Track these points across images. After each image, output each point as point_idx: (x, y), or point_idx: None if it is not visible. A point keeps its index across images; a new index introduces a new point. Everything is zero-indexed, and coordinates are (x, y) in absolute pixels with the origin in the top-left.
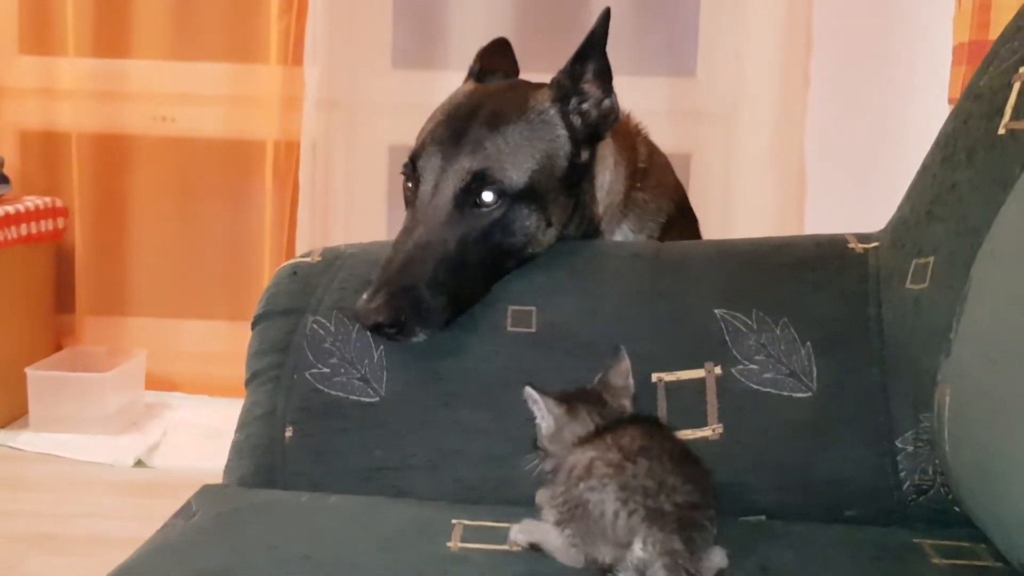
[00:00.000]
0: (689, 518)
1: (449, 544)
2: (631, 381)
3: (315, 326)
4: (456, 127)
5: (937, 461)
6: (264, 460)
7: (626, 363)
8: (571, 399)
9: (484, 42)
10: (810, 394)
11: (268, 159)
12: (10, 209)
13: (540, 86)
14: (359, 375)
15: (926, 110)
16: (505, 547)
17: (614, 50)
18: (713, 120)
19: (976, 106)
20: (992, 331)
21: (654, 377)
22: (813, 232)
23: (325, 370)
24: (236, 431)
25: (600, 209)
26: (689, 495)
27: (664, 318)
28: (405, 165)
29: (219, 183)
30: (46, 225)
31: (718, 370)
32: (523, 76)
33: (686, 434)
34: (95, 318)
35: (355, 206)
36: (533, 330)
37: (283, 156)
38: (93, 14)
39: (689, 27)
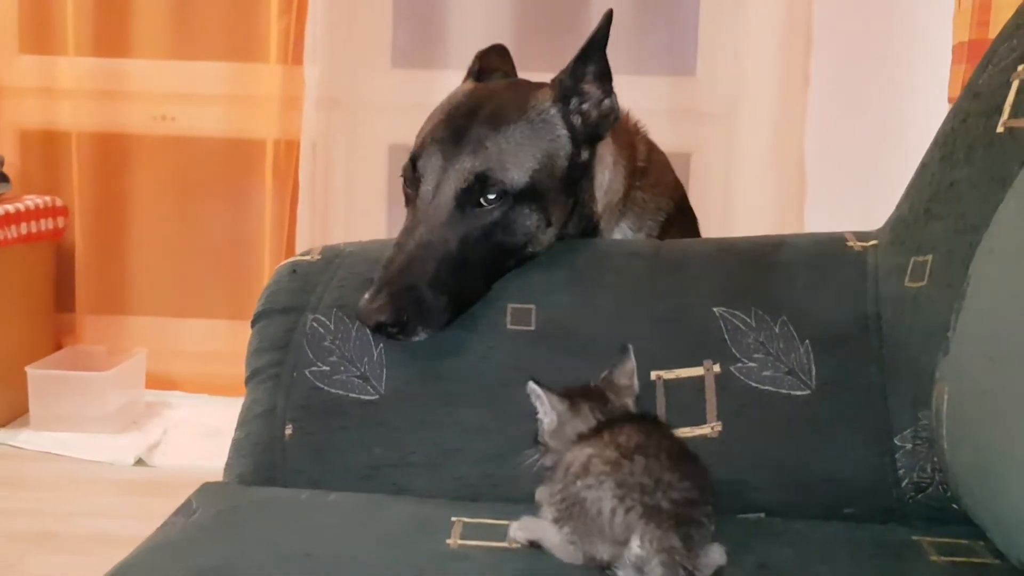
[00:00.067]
0: (686, 515)
1: (449, 541)
2: (635, 381)
3: (315, 324)
4: (457, 126)
5: (936, 459)
6: (264, 458)
7: (631, 363)
8: (574, 395)
9: (484, 42)
10: (809, 392)
11: (268, 158)
12: (10, 208)
13: (540, 86)
14: (359, 373)
15: (926, 109)
16: (504, 544)
17: (614, 49)
18: (713, 119)
19: (975, 104)
20: (990, 329)
21: (653, 375)
22: (813, 231)
23: (325, 368)
24: (236, 429)
25: (599, 208)
26: (686, 492)
27: (663, 316)
28: (405, 167)
29: (219, 182)
30: (46, 224)
31: (717, 368)
32: (523, 76)
33: (685, 432)
34: (95, 317)
35: (355, 205)
36: (532, 328)
37: (283, 155)
38: (93, 13)
39: (689, 26)
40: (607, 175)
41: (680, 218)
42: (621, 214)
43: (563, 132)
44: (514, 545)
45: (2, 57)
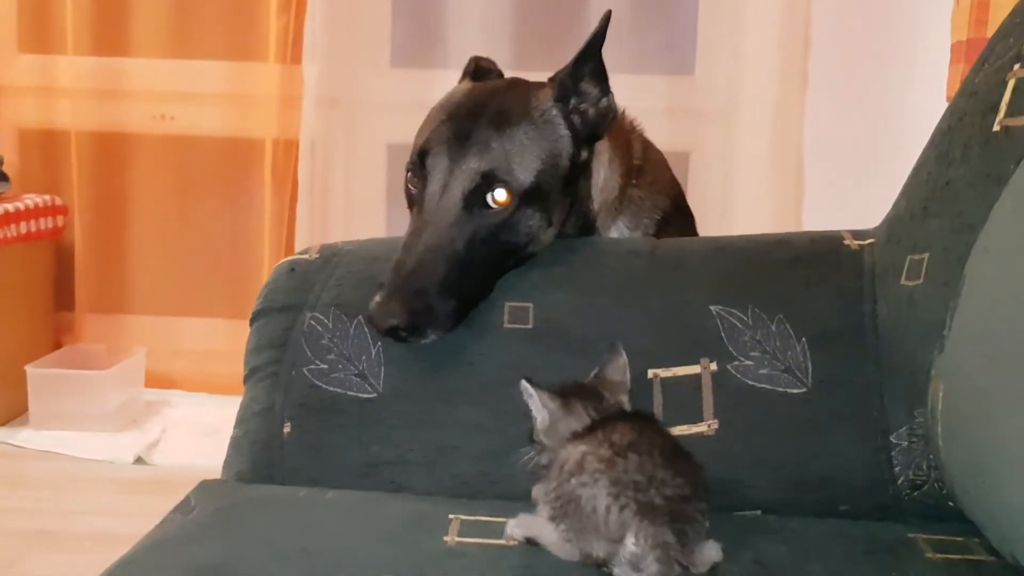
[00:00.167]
0: (680, 511)
1: (446, 539)
2: (628, 377)
3: (313, 322)
4: (461, 127)
5: (931, 456)
6: (262, 456)
7: (623, 359)
8: (567, 393)
9: (483, 41)
10: (805, 390)
11: (267, 157)
12: (10, 207)
13: (540, 85)
14: (357, 371)
15: (924, 108)
16: (501, 542)
17: (613, 49)
18: (712, 119)
19: (971, 103)
20: (985, 327)
21: (650, 373)
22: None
23: (323, 366)
24: (234, 427)
25: (596, 206)
26: (680, 488)
27: (660, 314)
28: (412, 163)
29: (218, 181)
30: (46, 223)
31: (714, 366)
32: (522, 76)
33: (682, 430)
34: (95, 316)
35: (354, 204)
36: (530, 326)
37: (282, 154)
38: (92, 12)
39: (688, 26)
40: (603, 173)
41: (677, 216)
42: (617, 212)
43: (565, 132)
44: (511, 542)
45: (1, 56)
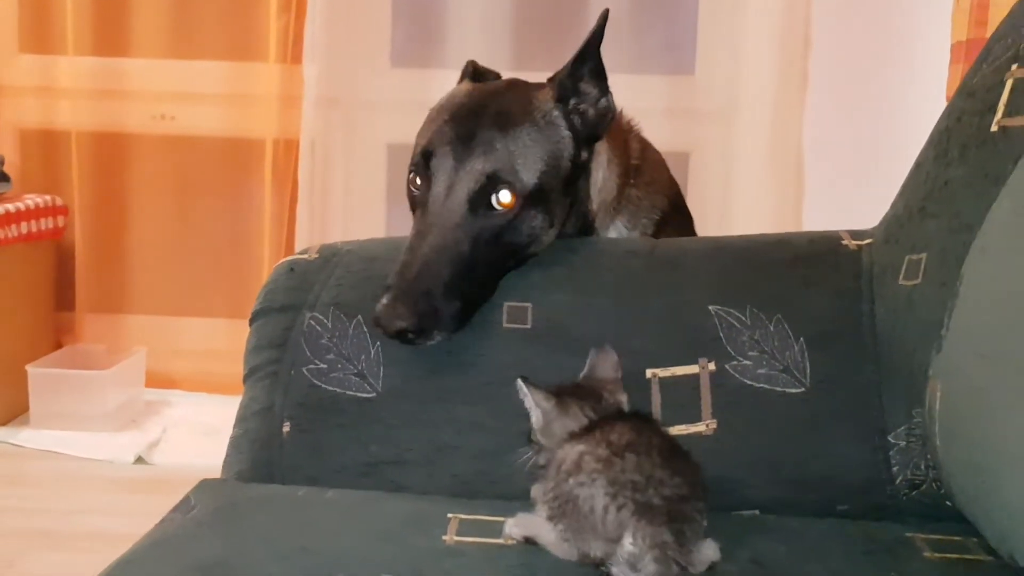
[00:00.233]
0: (678, 511)
1: (445, 538)
2: (620, 374)
3: (312, 322)
4: (464, 128)
5: (929, 456)
6: (262, 455)
7: (613, 355)
8: (564, 393)
9: (483, 41)
10: (803, 390)
11: (267, 157)
12: (10, 207)
13: (540, 86)
14: (356, 371)
15: (924, 108)
16: (500, 541)
17: (613, 48)
18: (711, 118)
19: (969, 103)
20: (983, 327)
21: (648, 373)
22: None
23: (322, 366)
24: (234, 426)
25: (594, 206)
26: (678, 488)
27: (658, 314)
28: (416, 163)
29: (218, 181)
30: (46, 223)
31: (712, 366)
32: (522, 76)
33: (680, 430)
34: (95, 316)
35: (354, 204)
36: (528, 326)
37: (282, 154)
38: (92, 13)
39: (688, 25)
40: (601, 173)
41: (675, 216)
42: (616, 212)
43: (566, 133)
44: (509, 542)
45: (2, 56)
